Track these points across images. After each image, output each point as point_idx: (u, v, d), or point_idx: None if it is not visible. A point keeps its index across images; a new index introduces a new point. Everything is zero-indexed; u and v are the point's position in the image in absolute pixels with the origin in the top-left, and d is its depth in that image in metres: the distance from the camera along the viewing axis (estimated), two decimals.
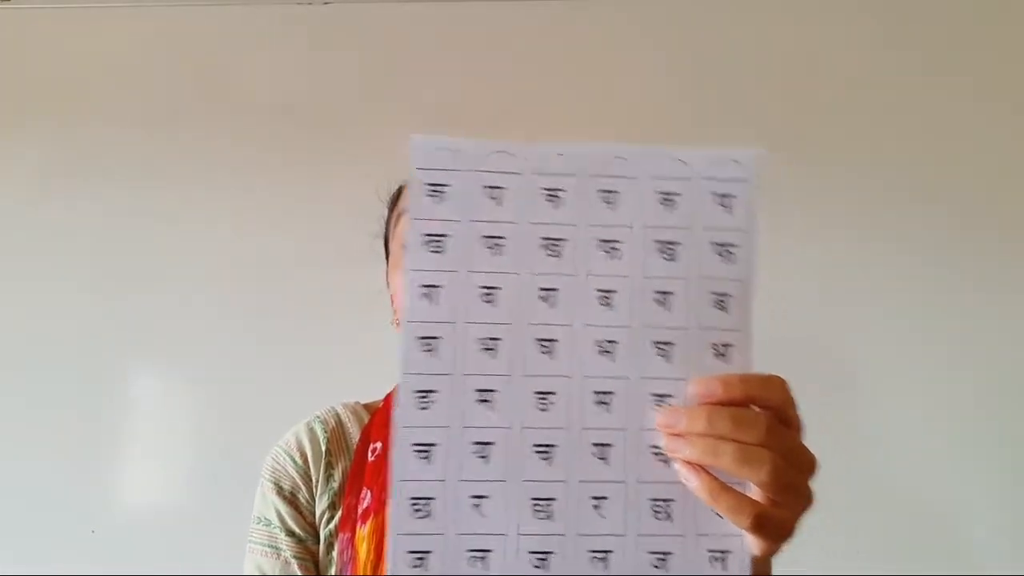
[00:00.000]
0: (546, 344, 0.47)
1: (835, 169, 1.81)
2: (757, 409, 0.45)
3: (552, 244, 0.47)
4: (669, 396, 0.47)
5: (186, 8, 1.87)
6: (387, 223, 0.86)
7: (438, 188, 0.48)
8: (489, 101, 1.83)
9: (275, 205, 1.79)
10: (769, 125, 1.83)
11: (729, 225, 0.48)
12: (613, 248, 0.48)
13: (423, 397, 0.46)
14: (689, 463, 0.45)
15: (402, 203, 0.80)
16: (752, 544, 0.46)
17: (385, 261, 0.86)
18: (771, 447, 0.44)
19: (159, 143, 1.81)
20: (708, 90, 1.85)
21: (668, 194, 0.48)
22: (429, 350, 0.47)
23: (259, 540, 0.78)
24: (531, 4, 1.88)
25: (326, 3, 1.89)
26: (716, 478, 0.44)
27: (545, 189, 0.48)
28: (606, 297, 0.47)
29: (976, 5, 1.87)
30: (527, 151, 0.48)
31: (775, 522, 0.44)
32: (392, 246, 0.81)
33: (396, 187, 0.85)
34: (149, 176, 1.79)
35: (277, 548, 0.77)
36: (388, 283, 0.85)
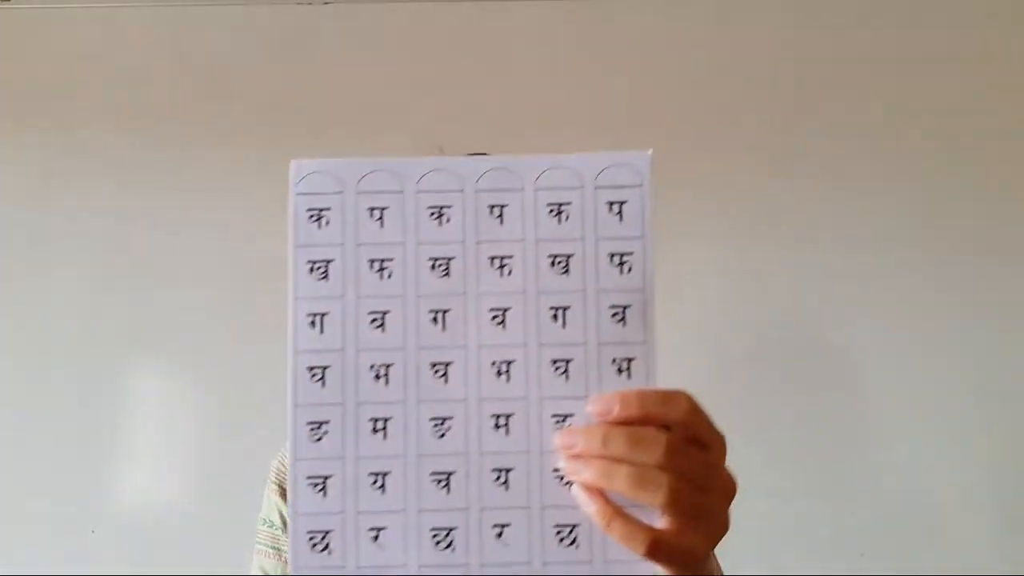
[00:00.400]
0: (440, 367, 0.45)
1: (837, 169, 1.78)
2: (663, 428, 0.43)
3: (441, 263, 0.45)
4: (570, 416, 0.45)
5: (186, 8, 1.86)
6: None
7: (320, 212, 0.46)
8: (489, 101, 1.80)
9: (275, 205, 1.77)
10: (770, 124, 1.80)
11: (624, 234, 0.45)
12: (504, 264, 0.46)
13: (315, 428, 0.45)
14: (587, 486, 0.43)
15: None
16: (662, 571, 0.44)
17: None
18: (671, 469, 0.41)
19: (159, 143, 1.80)
20: (708, 90, 1.82)
21: (559, 204, 0.46)
22: (319, 379, 0.45)
23: (264, 541, 0.80)
24: (532, 4, 1.86)
25: (326, 3, 1.88)
26: (611, 502, 0.42)
27: (430, 207, 0.46)
28: (500, 316, 0.45)
29: (978, 6, 1.82)
30: (409, 168, 0.46)
31: (676, 549, 0.42)
32: None
33: None
34: (149, 176, 1.79)
35: (279, 549, 0.79)
36: None
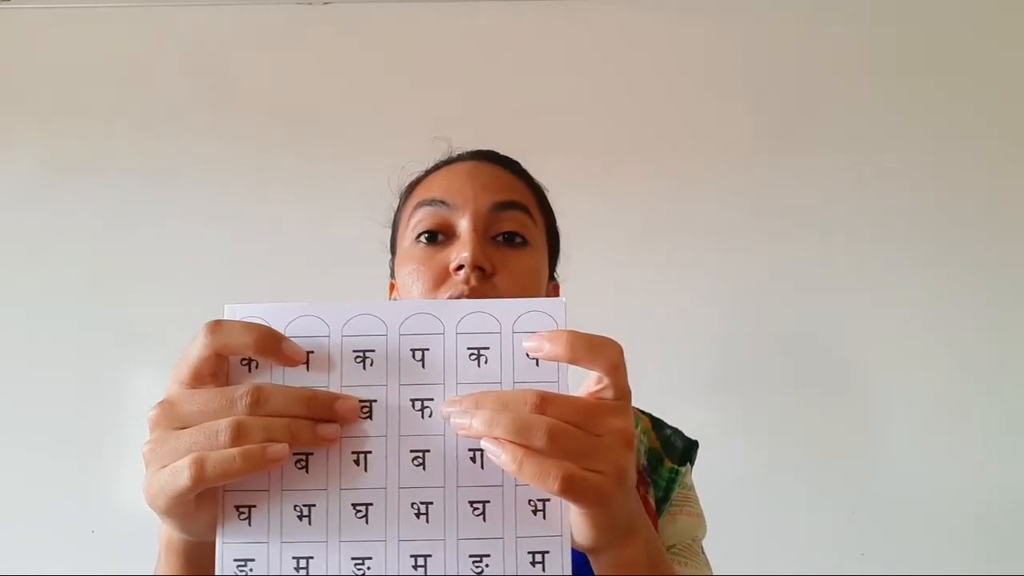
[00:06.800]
0: (360, 509, 0.46)
1: (835, 169, 1.79)
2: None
3: (364, 405, 0.47)
4: (487, 556, 0.46)
5: (186, 8, 1.88)
6: (397, 213, 0.84)
7: (250, 359, 0.47)
8: (489, 100, 1.83)
9: (275, 204, 1.80)
10: (770, 125, 1.81)
11: (540, 379, 0.47)
12: (425, 406, 0.47)
13: (242, 565, 0.46)
14: (477, 435, 0.45)
15: (416, 195, 0.78)
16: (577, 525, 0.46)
17: (391, 251, 0.84)
18: (549, 415, 0.44)
19: (159, 143, 1.83)
20: (708, 90, 1.84)
21: (479, 349, 0.47)
22: (245, 518, 0.47)
23: None
24: (532, 4, 1.87)
25: (326, 3, 1.89)
26: (520, 446, 0.43)
27: (355, 350, 0.47)
28: (419, 457, 0.47)
29: (978, 6, 1.83)
30: (334, 312, 0.48)
31: (588, 483, 0.43)
32: (401, 238, 0.78)
33: (411, 178, 0.83)
34: (149, 176, 1.82)
35: None
36: (393, 274, 0.82)
